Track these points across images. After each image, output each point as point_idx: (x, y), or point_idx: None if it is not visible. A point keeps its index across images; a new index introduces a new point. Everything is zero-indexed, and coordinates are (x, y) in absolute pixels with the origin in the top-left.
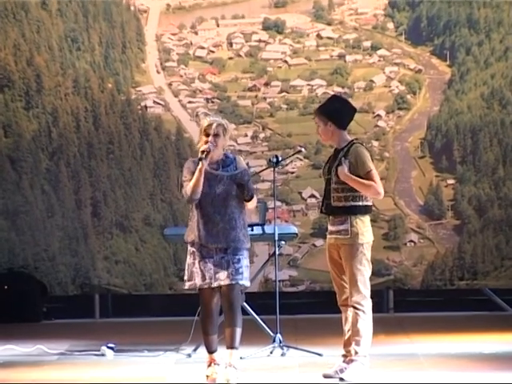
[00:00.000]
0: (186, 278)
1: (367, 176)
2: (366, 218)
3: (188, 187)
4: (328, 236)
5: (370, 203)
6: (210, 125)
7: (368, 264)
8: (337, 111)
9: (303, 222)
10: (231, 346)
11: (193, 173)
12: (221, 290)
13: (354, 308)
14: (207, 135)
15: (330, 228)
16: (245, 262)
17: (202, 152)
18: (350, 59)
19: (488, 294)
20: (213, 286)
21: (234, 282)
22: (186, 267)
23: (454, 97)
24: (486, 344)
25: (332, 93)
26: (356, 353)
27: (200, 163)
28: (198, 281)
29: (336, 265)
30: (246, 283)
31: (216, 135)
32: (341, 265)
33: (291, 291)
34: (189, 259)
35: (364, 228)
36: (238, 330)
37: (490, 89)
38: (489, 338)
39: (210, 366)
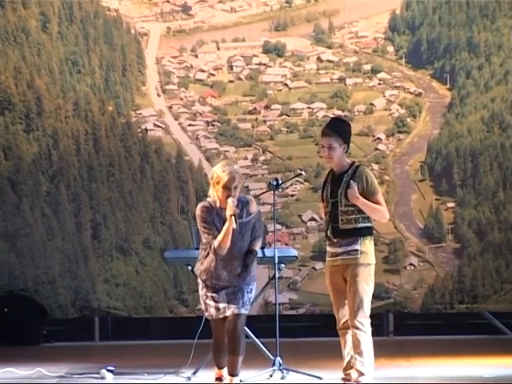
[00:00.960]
0: (202, 308)
1: (376, 199)
2: (372, 240)
3: (216, 243)
4: (331, 259)
5: (372, 225)
6: (232, 178)
7: (372, 285)
8: (349, 135)
9: (303, 245)
10: (232, 374)
11: (210, 222)
12: (228, 317)
13: (356, 328)
14: (227, 189)
15: (335, 250)
16: (254, 292)
17: (232, 216)
18: (350, 82)
19: (488, 317)
20: (226, 314)
21: (246, 312)
22: (200, 298)
23: (454, 120)
24: (485, 368)
25: (332, 116)
26: (361, 374)
27: (228, 223)
28: (213, 312)
29: (338, 288)
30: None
31: (236, 187)
32: (343, 288)
33: (291, 314)
34: (201, 291)
35: (371, 250)
36: (240, 359)
37: (490, 112)
38: (489, 361)
39: (217, 379)
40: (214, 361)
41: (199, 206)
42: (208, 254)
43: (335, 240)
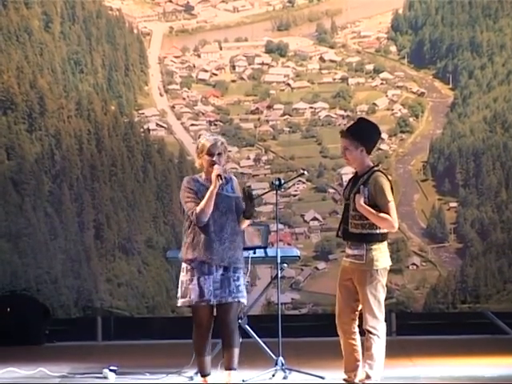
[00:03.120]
0: (178, 295)
1: (385, 208)
2: (383, 245)
3: (198, 209)
4: (344, 258)
5: (386, 231)
6: (214, 144)
7: (383, 289)
8: (371, 137)
9: (306, 244)
10: (230, 367)
11: (195, 192)
12: (218, 310)
13: (369, 332)
14: (211, 155)
15: (347, 251)
16: (242, 280)
17: (218, 176)
18: (352, 82)
19: (490, 317)
20: (212, 303)
21: (236, 300)
22: (180, 284)
23: (456, 120)
24: (487, 367)
25: (335, 116)
26: (368, 376)
27: (213, 185)
28: (194, 298)
29: (345, 288)
30: (245, 301)
31: (220, 154)
32: (350, 289)
33: (293, 314)
34: (184, 276)
35: (380, 254)
36: (237, 351)
37: (493, 112)
38: (491, 361)
39: None
40: (198, 362)
41: (185, 178)
42: (190, 226)
43: (346, 241)
